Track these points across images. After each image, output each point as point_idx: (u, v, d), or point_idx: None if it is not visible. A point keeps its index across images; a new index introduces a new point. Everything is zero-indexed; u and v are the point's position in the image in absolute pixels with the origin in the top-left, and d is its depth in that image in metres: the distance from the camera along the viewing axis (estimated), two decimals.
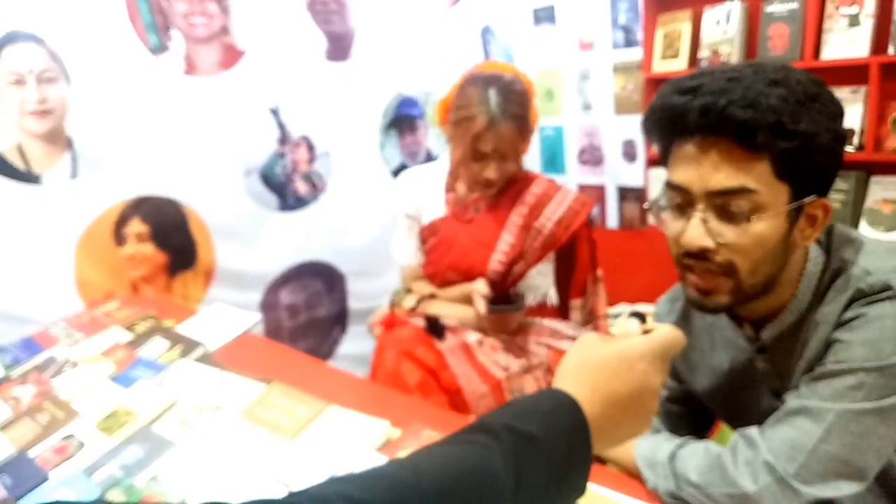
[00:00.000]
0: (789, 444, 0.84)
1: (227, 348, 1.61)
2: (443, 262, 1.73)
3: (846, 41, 2.33)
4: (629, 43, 2.97)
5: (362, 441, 1.16)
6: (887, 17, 2.26)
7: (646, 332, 0.68)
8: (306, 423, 1.23)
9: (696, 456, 0.92)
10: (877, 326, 0.83)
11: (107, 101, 1.98)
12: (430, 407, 1.32)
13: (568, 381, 0.62)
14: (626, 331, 0.70)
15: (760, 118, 0.78)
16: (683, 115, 0.82)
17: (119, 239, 2.06)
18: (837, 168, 0.85)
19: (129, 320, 1.76)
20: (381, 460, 1.09)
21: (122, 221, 2.05)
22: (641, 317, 0.74)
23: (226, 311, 1.81)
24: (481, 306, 1.57)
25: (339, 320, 2.59)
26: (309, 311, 2.49)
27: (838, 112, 0.84)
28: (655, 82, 2.78)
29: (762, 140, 0.79)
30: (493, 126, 1.55)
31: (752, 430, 0.89)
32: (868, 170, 2.38)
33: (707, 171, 0.82)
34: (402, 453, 1.10)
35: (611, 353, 0.64)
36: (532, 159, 3.39)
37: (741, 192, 0.82)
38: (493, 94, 1.56)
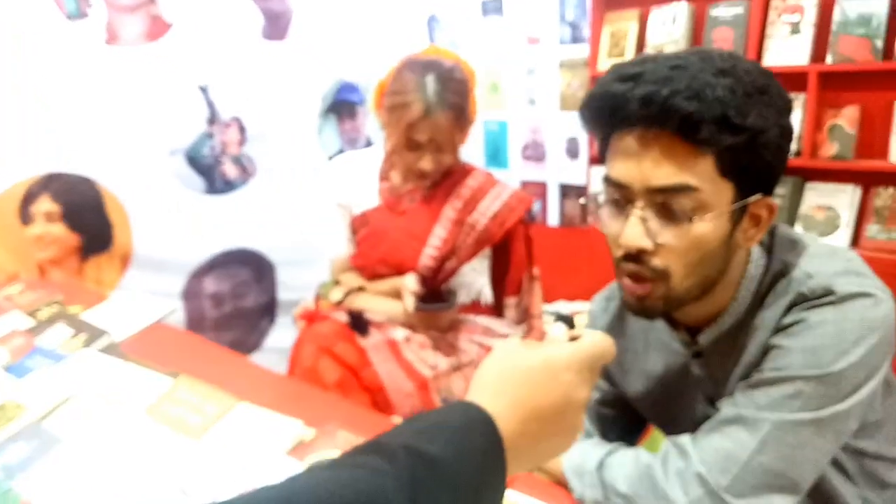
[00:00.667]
0: (723, 455, 0.80)
1: (135, 338, 1.50)
2: (373, 254, 1.65)
3: (787, 48, 2.35)
4: (576, 39, 2.94)
5: (272, 442, 1.07)
6: (827, 26, 2.28)
7: (573, 338, 0.62)
8: (213, 421, 1.14)
9: (625, 465, 0.88)
10: (817, 333, 0.79)
11: (15, 69, 1.83)
12: (350, 405, 1.24)
13: (483, 392, 0.55)
14: (552, 337, 0.63)
15: (705, 111, 0.73)
16: (623, 104, 0.76)
17: (25, 217, 1.91)
18: (784, 165, 0.81)
19: (32, 305, 1.63)
20: (290, 464, 1.01)
21: (28, 199, 1.90)
22: (569, 321, 0.68)
23: (137, 299, 1.69)
24: (409, 303, 1.50)
25: (268, 311, 2.48)
26: (235, 300, 2.37)
27: (787, 106, 0.80)
28: None
29: (706, 135, 0.73)
30: (429, 115, 1.47)
31: (684, 439, 0.85)
32: (804, 176, 2.41)
33: (647, 166, 0.77)
34: (315, 456, 1.03)
35: (533, 362, 0.56)
36: (476, 153, 3.34)
37: (683, 190, 0.76)
38: (430, 81, 1.48)
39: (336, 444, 1.05)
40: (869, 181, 2.32)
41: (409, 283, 1.53)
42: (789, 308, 0.83)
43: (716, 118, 0.73)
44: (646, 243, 0.79)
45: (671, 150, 0.76)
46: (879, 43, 2.19)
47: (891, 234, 2.26)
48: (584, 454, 0.92)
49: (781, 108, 0.78)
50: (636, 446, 1.14)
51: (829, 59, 2.28)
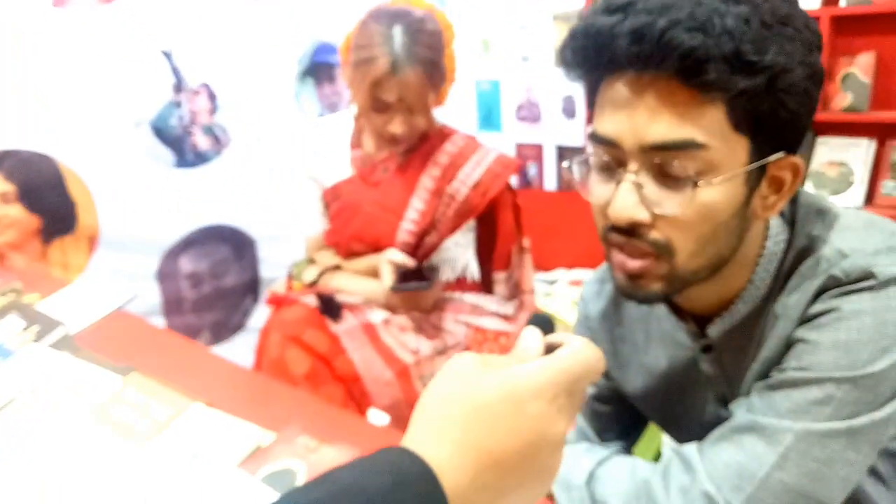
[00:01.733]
0: (735, 470, 0.67)
1: (92, 329, 1.38)
2: (346, 230, 1.51)
3: None
4: None
5: (226, 450, 0.96)
6: None
7: (550, 348, 0.47)
8: (162, 426, 1.02)
9: (619, 479, 0.75)
10: (853, 325, 0.65)
11: None
12: (318, 403, 1.12)
13: (423, 434, 0.41)
14: (523, 347, 0.48)
15: (712, 46, 0.58)
16: (610, 41, 0.61)
17: None
18: (811, 115, 0.66)
19: None
20: (241, 478, 0.90)
21: None
22: (547, 323, 0.51)
23: (98, 285, 1.57)
24: (387, 276, 1.37)
25: (251, 289, 2.35)
26: (214, 280, 2.24)
27: (815, 41, 0.64)
28: None
29: (715, 76, 0.59)
30: (397, 71, 1.32)
31: (690, 450, 0.72)
32: (815, 129, 2.26)
33: (642, 118, 0.62)
34: (270, 467, 0.91)
35: (491, 390, 0.42)
36: (468, 115, 3.18)
37: (686, 146, 0.62)
38: (398, 33, 1.32)
39: (295, 451, 0.93)
40: (884, 134, 2.17)
41: (392, 255, 1.40)
42: (818, 294, 0.69)
43: (726, 55, 0.58)
44: (641, 214, 0.65)
45: (670, 97, 0.61)
46: None
47: None
48: (573, 463, 0.80)
49: (809, 42, 0.63)
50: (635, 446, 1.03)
51: (842, 2, 2.12)
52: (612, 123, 0.65)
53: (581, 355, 0.45)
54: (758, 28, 0.59)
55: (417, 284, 1.39)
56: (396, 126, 1.37)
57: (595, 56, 0.64)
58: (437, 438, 0.40)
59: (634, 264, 0.68)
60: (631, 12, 0.60)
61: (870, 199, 2.19)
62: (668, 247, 0.66)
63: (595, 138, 0.67)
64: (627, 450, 0.98)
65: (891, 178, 2.15)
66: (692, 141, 0.62)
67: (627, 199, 0.64)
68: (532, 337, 0.48)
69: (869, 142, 2.18)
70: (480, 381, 0.42)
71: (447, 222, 1.47)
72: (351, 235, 1.51)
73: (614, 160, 0.67)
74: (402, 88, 1.33)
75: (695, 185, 0.63)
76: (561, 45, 0.69)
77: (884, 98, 2.14)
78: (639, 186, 0.64)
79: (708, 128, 0.62)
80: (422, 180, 1.46)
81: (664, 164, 0.63)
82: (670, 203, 0.64)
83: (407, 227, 1.45)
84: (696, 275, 0.69)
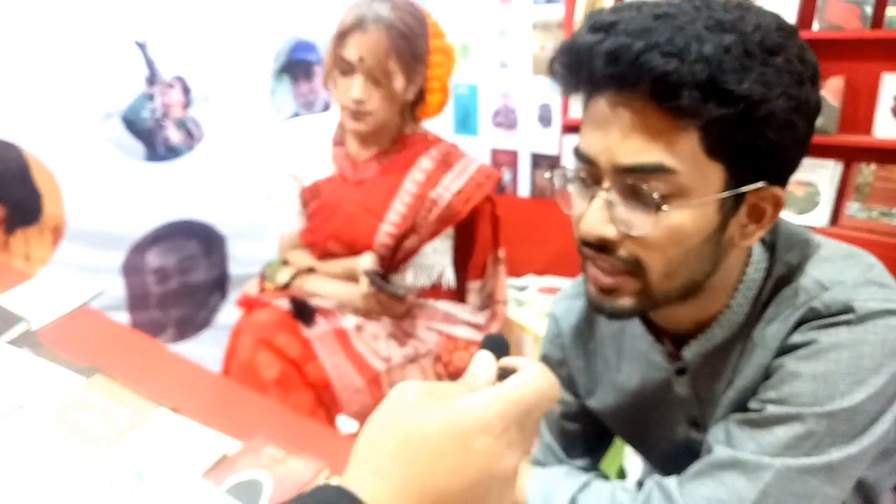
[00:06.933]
0: None
1: (56, 326, 1.35)
2: (324, 229, 1.49)
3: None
4: None
5: (190, 458, 0.94)
6: None
7: (504, 373, 0.44)
8: (126, 432, 1.00)
9: None
10: (830, 357, 0.66)
11: None
12: (285, 411, 1.11)
13: (361, 471, 0.39)
14: (473, 373, 0.45)
15: (687, 72, 0.58)
16: (589, 60, 0.62)
17: None
18: (801, 148, 0.66)
19: None
20: (205, 490, 0.88)
21: None
22: (501, 345, 0.48)
23: (62, 280, 1.53)
24: (364, 285, 1.36)
25: (219, 286, 2.32)
26: (182, 275, 2.20)
27: (808, 74, 0.64)
28: None
29: (688, 102, 0.59)
30: (361, 26, 1.33)
31: (671, 483, 0.72)
32: None
33: (614, 138, 0.64)
34: (235, 478, 0.90)
35: (435, 423, 0.39)
36: (445, 119, 3.17)
37: (655, 170, 0.63)
38: (377, 2, 1.35)
39: (261, 462, 0.92)
40: (851, 157, 2.22)
41: (365, 263, 1.39)
42: (798, 325, 0.70)
43: (700, 82, 0.59)
44: (609, 232, 0.66)
45: (644, 120, 0.62)
46: (869, 9, 2.07)
47: (871, 213, 2.18)
48: (552, 488, 0.79)
49: (799, 74, 0.63)
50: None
51: (815, 26, 2.16)
52: (591, 141, 0.66)
53: (534, 384, 0.42)
54: (739, 56, 0.60)
55: (392, 288, 1.38)
56: (357, 90, 1.35)
57: (575, 73, 0.66)
58: (377, 478, 0.38)
59: (607, 280, 0.69)
60: (612, 32, 0.61)
61: (835, 219, 2.24)
62: (639, 264, 0.67)
63: (576, 154, 0.69)
64: (594, 466, 0.99)
65: (855, 199, 2.20)
66: (660, 165, 0.63)
67: (597, 216, 0.66)
68: (483, 362, 0.46)
69: (836, 164, 2.23)
70: (424, 414, 0.39)
71: (428, 227, 1.46)
72: (329, 235, 1.49)
73: (591, 177, 0.68)
74: (364, 47, 1.33)
75: (658, 207, 0.63)
76: (550, 60, 0.70)
77: (851, 122, 2.19)
78: (609, 204, 0.66)
79: (679, 153, 0.62)
80: (405, 184, 1.45)
81: (635, 184, 0.64)
82: (637, 223, 0.65)
83: (387, 229, 1.44)
84: (668, 296, 0.70)
